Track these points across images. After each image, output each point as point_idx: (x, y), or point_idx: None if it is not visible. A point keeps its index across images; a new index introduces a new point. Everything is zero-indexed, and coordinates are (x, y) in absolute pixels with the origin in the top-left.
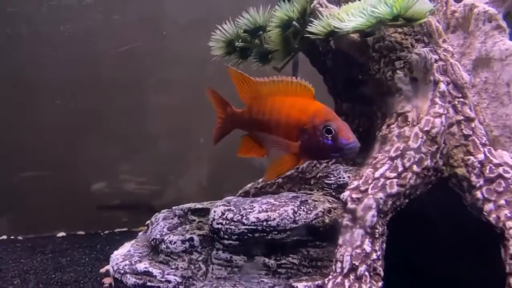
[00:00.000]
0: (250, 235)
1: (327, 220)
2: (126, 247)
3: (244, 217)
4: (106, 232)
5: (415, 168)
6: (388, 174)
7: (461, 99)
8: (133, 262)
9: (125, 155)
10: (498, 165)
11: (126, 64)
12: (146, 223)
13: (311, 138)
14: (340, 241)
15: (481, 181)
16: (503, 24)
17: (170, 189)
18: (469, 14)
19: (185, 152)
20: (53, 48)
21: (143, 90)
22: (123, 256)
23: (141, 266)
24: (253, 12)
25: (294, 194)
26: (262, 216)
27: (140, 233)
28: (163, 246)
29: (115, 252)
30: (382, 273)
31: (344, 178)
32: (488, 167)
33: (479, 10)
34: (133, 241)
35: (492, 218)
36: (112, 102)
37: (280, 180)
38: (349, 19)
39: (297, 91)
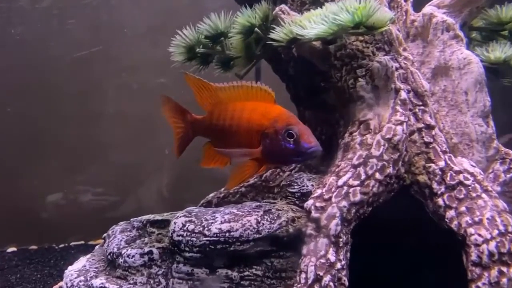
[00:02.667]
0: (212, 247)
1: (291, 230)
2: (82, 262)
3: (206, 229)
4: (61, 245)
5: (377, 175)
6: (351, 182)
7: (422, 107)
8: (88, 278)
9: (81, 165)
10: (458, 172)
11: (82, 70)
12: (103, 236)
13: (272, 142)
14: (304, 251)
15: (442, 188)
16: (461, 33)
17: (129, 199)
18: (428, 24)
19: (145, 162)
20: (2, 52)
21: (100, 97)
22: (78, 271)
23: (97, 282)
24: (215, 17)
25: (258, 204)
26: (225, 227)
27: (97, 247)
28: (121, 260)
29: (69, 268)
30: (347, 283)
31: (307, 186)
32: (449, 174)
33: (437, 20)
34: (89, 255)
35: (453, 225)
36: (67, 109)
37: (243, 189)
38: (311, 26)
39: (258, 96)
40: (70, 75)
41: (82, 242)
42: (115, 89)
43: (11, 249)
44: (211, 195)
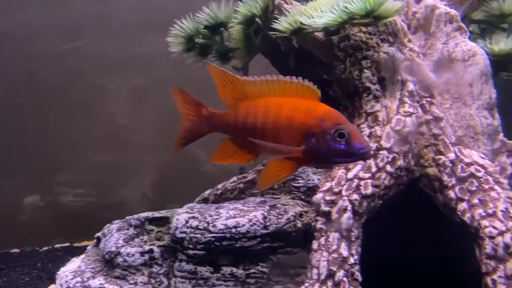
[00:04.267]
0: (218, 243)
1: (299, 225)
2: (76, 263)
3: (211, 225)
4: (45, 248)
5: (388, 168)
6: (361, 174)
7: (429, 99)
8: (85, 279)
9: (61, 165)
10: (469, 164)
11: (67, 64)
12: (96, 235)
13: (320, 142)
14: (314, 246)
15: (453, 181)
16: (464, 25)
17: (111, 200)
18: (430, 15)
19: (128, 161)
20: None
21: (84, 93)
22: (73, 272)
23: (95, 283)
24: (215, 7)
25: (262, 199)
26: (231, 222)
27: (89, 247)
28: (120, 259)
29: (63, 269)
30: (360, 278)
31: (313, 180)
32: (459, 167)
33: (440, 12)
34: (83, 256)
35: (466, 217)
36: (49, 104)
37: (241, 185)
38: (319, 15)
39: (297, 93)
40: (54, 69)
41: (68, 244)
42: (101, 84)
43: None
44: (207, 192)
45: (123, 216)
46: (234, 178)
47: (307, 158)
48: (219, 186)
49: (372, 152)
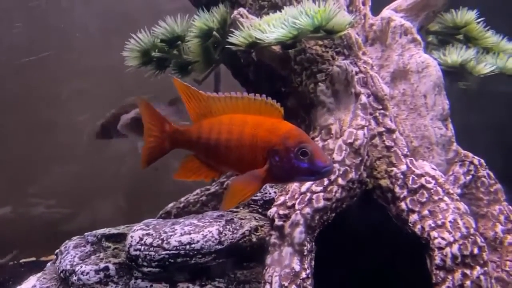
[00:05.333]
0: (172, 260)
1: (254, 239)
2: (31, 281)
3: (165, 241)
4: (10, 263)
5: (340, 181)
6: (314, 188)
7: (382, 111)
8: None
9: (31, 177)
10: (420, 176)
11: (32, 76)
12: (55, 252)
13: (283, 160)
14: (268, 261)
15: (405, 192)
16: (418, 37)
17: (84, 212)
18: (386, 28)
19: (100, 172)
20: None
21: (51, 104)
22: None
23: None
24: (171, 20)
25: (219, 213)
26: (185, 239)
27: (48, 264)
28: (74, 278)
29: None
30: None
31: (270, 193)
32: (410, 178)
33: (395, 24)
34: (39, 274)
35: (417, 229)
36: (15, 118)
37: (204, 198)
38: (271, 30)
39: (261, 110)
40: (17, 82)
41: (34, 258)
42: (67, 96)
43: None
44: (170, 205)
45: (96, 228)
46: (197, 191)
47: (271, 176)
48: (182, 199)
49: (333, 170)
